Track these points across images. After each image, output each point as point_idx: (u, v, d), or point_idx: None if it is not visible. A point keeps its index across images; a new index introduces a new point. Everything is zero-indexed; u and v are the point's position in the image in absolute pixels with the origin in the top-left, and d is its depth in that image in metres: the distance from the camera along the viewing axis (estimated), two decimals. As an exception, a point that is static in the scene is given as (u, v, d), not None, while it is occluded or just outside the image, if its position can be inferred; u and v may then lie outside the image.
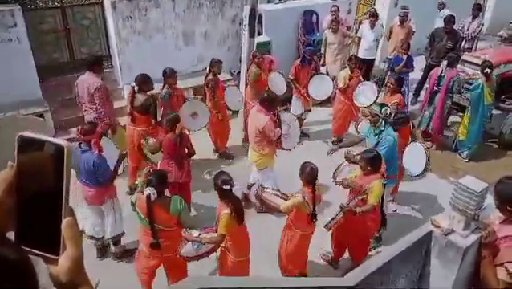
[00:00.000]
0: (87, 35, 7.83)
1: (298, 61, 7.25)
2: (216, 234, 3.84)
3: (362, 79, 7.11)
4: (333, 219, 4.32)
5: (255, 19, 8.01)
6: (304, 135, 7.69)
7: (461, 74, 7.45)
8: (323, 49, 8.51)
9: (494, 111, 7.26)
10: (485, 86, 6.59)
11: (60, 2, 7.36)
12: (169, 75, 5.89)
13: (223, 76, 7.63)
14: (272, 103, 5.28)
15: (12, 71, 6.41)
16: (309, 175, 4.03)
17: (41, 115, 6.72)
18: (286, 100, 7.76)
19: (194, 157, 5.43)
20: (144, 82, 5.47)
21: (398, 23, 8.74)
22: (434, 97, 7.19)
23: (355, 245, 4.73)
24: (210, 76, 6.31)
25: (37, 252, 0.85)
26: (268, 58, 7.70)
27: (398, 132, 5.38)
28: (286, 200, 4.28)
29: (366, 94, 6.79)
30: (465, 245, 2.55)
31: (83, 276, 0.89)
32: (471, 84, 7.05)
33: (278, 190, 4.66)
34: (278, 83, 6.91)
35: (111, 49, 7.86)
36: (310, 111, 7.59)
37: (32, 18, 7.06)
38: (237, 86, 7.44)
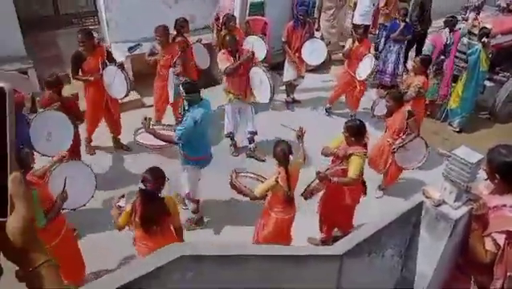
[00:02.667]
0: (73, -11, 7.48)
1: (291, 22, 6.99)
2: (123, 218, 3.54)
3: (369, 51, 6.59)
4: (308, 186, 4.20)
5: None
6: (295, 101, 7.58)
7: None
8: (317, 14, 8.26)
9: (488, 84, 7.19)
10: (482, 52, 6.53)
11: (44, -49, 6.98)
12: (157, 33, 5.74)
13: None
14: (231, 45, 5.57)
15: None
16: (279, 156, 3.80)
17: (25, 72, 6.47)
18: (278, 65, 7.58)
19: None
20: None
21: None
22: (441, 66, 7.11)
23: (341, 217, 4.61)
24: (180, 38, 5.94)
25: None
26: (261, 20, 7.46)
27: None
28: (263, 182, 4.07)
29: (364, 67, 6.53)
30: (455, 216, 2.52)
31: (36, 240, 0.78)
32: (464, 53, 7.02)
33: (254, 173, 4.40)
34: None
35: (98, 4, 7.51)
36: (303, 77, 7.40)
37: (14, -32, 6.65)
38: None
